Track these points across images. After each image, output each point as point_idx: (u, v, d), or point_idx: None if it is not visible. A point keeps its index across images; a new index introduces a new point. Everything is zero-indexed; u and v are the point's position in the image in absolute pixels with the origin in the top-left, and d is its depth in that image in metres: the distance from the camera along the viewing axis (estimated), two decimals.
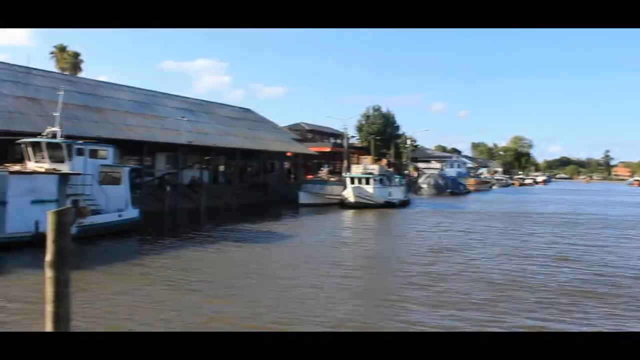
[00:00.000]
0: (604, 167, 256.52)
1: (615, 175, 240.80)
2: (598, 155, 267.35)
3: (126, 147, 37.50)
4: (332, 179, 53.31)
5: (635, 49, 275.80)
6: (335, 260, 20.87)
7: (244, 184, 51.24)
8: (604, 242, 27.04)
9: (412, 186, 71.84)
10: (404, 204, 51.96)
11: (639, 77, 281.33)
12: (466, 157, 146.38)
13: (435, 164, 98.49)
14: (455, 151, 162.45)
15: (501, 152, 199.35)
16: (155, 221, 31.16)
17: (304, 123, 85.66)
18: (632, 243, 27.26)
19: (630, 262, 21.36)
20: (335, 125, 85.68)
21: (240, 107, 65.82)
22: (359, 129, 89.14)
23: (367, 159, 59.29)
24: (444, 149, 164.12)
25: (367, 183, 47.81)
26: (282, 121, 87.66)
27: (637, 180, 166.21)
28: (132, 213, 27.25)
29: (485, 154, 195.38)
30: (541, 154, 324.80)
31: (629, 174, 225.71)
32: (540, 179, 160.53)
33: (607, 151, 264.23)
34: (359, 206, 45.21)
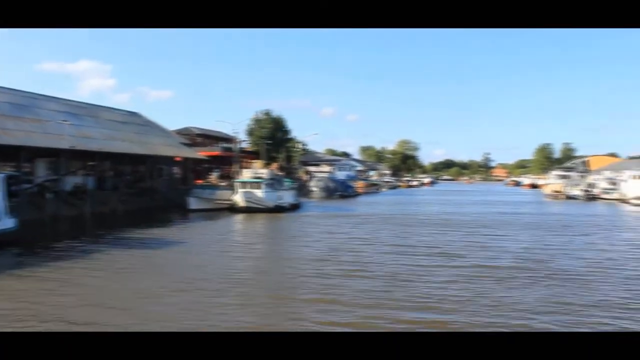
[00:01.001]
0: (484, 169, 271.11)
1: (494, 176, 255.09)
2: (479, 158, 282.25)
3: (2, 153, 35.60)
4: (222, 184, 53.08)
5: (504, 57, 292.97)
6: (223, 267, 21.03)
7: (131, 189, 49.98)
8: (483, 240, 28.87)
9: (302, 190, 72.74)
10: (294, 207, 52.57)
11: (514, 85, 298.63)
12: (355, 160, 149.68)
13: (325, 168, 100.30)
14: (345, 155, 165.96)
15: (389, 156, 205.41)
16: (35, 230, 29.89)
17: (193, 127, 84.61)
18: (505, 242, 29.19)
19: (503, 259, 23.03)
20: (226, 130, 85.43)
21: (127, 111, 64.02)
22: (250, 133, 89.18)
23: (257, 163, 59.47)
24: (334, 153, 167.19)
25: (257, 187, 48.01)
26: (171, 125, 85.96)
27: (513, 181, 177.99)
28: (7, 223, 25.96)
29: (374, 157, 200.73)
30: (427, 156, 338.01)
31: (506, 174, 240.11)
32: (426, 180, 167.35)
33: (487, 154, 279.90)
34: (249, 211, 45.34)
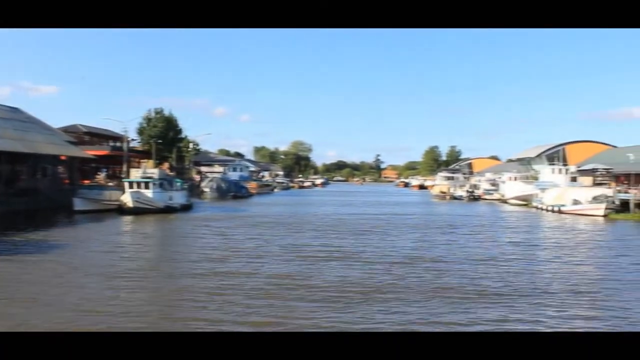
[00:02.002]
0: (375, 170, 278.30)
1: (385, 177, 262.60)
2: (370, 159, 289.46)
3: None
4: (110, 184, 51.34)
5: (394, 60, 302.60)
6: (108, 269, 20.46)
7: (10, 189, 47.26)
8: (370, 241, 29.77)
9: (194, 190, 71.73)
10: (186, 208, 51.74)
11: (404, 88, 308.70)
12: (249, 160, 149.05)
13: (218, 168, 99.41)
14: (239, 155, 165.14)
15: (282, 156, 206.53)
16: None
17: (80, 125, 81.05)
18: (401, 241, 30.28)
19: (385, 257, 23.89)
20: (115, 128, 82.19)
21: (6, 106, 60.38)
22: (140, 132, 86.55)
23: (147, 163, 58.03)
24: (227, 153, 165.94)
25: (147, 187, 46.83)
26: (56, 123, 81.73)
27: (402, 182, 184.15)
28: None
29: (267, 157, 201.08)
30: (320, 157, 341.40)
31: (395, 176, 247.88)
32: (318, 181, 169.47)
33: (378, 155, 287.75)
34: (138, 211, 44.06)
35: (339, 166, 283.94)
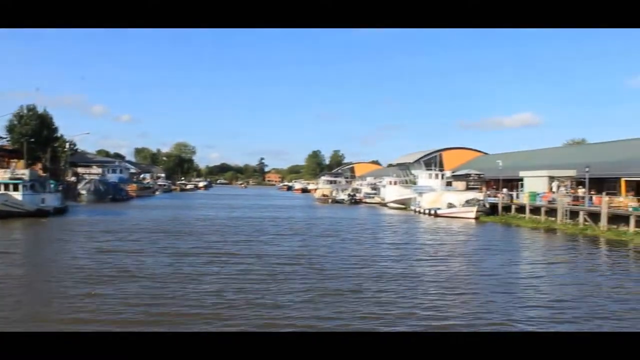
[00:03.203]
0: (258, 173, 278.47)
1: (269, 180, 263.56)
2: (254, 162, 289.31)
3: None
4: None
5: (275, 63, 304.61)
6: None
7: None
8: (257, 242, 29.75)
9: (70, 192, 68.35)
10: (59, 211, 49.13)
11: (286, 91, 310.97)
12: (129, 162, 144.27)
13: (96, 169, 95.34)
14: (118, 156, 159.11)
15: (164, 158, 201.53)
16: None
17: None
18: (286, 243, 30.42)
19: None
20: None
21: None
22: (10, 129, 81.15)
23: (17, 163, 54.69)
24: (107, 154, 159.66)
25: (15, 189, 44.00)
26: None
27: (285, 185, 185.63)
28: None
29: (149, 159, 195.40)
30: (203, 160, 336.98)
31: (279, 179, 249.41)
32: (201, 184, 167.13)
33: (262, 159, 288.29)
34: (5, 215, 41.30)
35: (223, 169, 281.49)
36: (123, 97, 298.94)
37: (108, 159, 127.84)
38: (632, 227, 36.69)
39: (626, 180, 45.23)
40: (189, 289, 17.53)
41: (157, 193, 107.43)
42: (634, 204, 39.34)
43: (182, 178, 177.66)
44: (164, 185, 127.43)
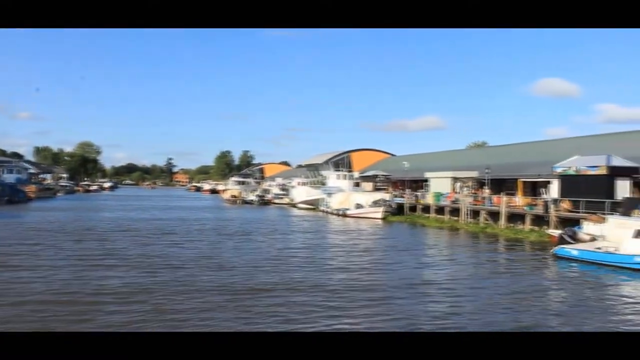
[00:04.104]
0: (166, 174, 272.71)
1: (177, 181, 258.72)
2: (162, 163, 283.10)
3: None
4: None
5: (180, 60, 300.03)
6: None
7: None
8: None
9: None
10: None
11: (195, 89, 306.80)
12: (28, 162, 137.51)
13: None
14: (16, 155, 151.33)
15: (67, 158, 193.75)
16: None
17: None
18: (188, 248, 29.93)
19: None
20: None
21: None
22: None
23: None
24: (3, 153, 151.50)
25: None
26: None
27: (194, 186, 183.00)
28: None
29: (50, 159, 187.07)
30: (108, 160, 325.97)
31: (187, 180, 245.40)
32: (106, 185, 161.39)
33: (170, 159, 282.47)
34: None
35: (129, 169, 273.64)
36: (21, 93, 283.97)
37: (4, 158, 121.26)
38: (527, 225, 38.72)
39: (523, 181, 47.72)
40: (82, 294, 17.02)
41: (59, 194, 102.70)
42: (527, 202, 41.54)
43: (86, 179, 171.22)
44: (67, 186, 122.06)
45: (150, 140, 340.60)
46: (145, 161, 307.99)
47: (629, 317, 16.02)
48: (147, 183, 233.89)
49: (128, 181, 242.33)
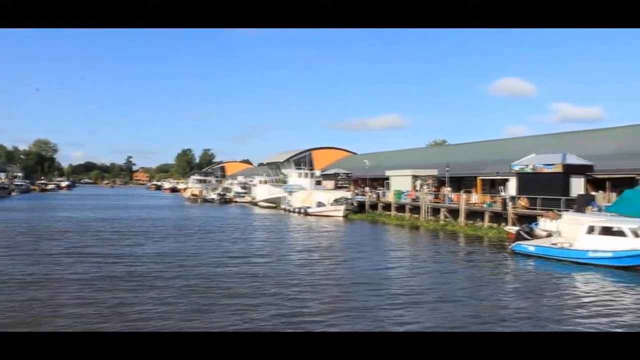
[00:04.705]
0: (126, 172, 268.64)
1: (137, 180, 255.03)
2: (121, 161, 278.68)
3: None
4: None
5: (145, 61, 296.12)
6: None
7: None
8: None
9: None
10: None
11: (155, 88, 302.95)
12: None
13: None
14: None
15: (22, 156, 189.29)
16: None
17: None
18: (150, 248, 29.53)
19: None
20: None
21: None
22: None
23: None
24: None
25: None
26: None
27: (154, 185, 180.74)
28: None
29: (4, 157, 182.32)
30: (66, 159, 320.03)
31: (148, 178, 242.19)
32: (64, 184, 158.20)
33: (130, 157, 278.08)
34: None
35: (88, 168, 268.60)
36: None
37: None
38: (486, 222, 39.31)
39: (482, 179, 48.43)
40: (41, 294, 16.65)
41: (13, 194, 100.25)
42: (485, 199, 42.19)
43: (43, 178, 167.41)
44: (22, 185, 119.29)
45: (109, 139, 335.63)
46: (104, 159, 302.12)
47: (578, 310, 16.36)
48: (106, 182, 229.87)
49: (86, 180, 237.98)
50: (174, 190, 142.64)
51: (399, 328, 13.90)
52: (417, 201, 48.82)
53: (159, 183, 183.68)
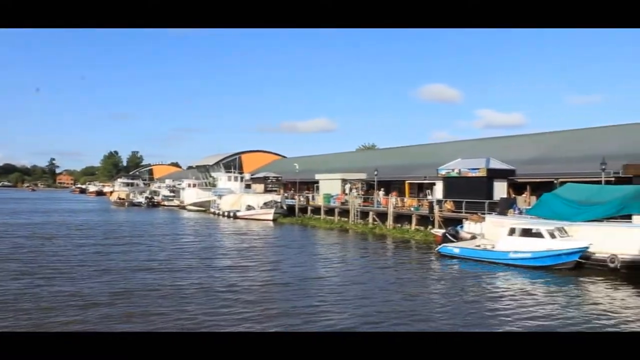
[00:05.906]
0: (49, 175, 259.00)
1: (60, 183, 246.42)
2: (43, 163, 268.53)
3: None
4: None
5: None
6: None
7: None
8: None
9: None
10: None
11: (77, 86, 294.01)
12: None
13: None
14: None
15: None
16: None
17: None
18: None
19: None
20: None
21: None
22: None
23: None
24: None
25: None
26: None
27: (78, 188, 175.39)
28: None
29: None
30: None
31: (72, 181, 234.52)
32: None
33: (53, 159, 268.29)
34: None
35: (7, 170, 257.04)
36: None
37: None
38: (413, 225, 40.04)
39: (409, 183, 49.33)
40: None
41: None
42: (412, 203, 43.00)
43: None
44: None
45: (30, 140, 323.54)
46: (25, 161, 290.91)
47: (497, 307, 16.87)
48: (27, 185, 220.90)
49: (5, 183, 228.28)
50: (99, 193, 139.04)
51: (327, 328, 13.96)
52: (346, 205, 49.21)
53: (83, 186, 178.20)
